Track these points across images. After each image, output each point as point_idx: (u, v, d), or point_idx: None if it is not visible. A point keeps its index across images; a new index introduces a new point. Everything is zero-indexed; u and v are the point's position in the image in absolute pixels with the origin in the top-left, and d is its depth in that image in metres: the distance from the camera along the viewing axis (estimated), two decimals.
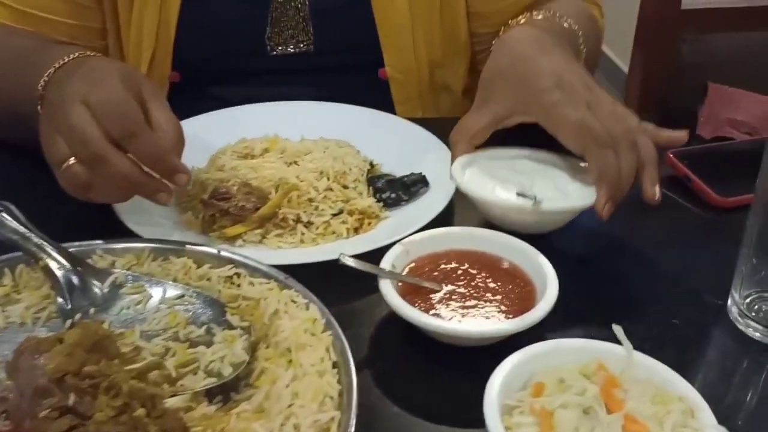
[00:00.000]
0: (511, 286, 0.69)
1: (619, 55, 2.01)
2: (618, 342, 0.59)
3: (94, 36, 1.05)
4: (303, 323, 0.63)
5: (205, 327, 0.65)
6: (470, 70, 1.17)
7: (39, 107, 0.80)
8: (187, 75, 1.08)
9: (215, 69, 1.08)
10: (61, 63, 0.80)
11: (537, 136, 0.82)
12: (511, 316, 0.66)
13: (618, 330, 0.59)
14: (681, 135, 0.81)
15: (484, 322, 0.66)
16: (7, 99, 0.88)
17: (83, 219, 0.80)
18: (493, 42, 0.94)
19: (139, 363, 0.60)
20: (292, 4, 1.04)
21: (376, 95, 1.06)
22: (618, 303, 0.75)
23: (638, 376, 0.57)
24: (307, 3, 1.04)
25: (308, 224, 0.80)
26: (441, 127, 0.98)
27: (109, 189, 0.73)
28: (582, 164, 0.81)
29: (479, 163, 0.83)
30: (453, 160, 0.84)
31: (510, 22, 1.00)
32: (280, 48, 1.06)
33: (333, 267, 0.69)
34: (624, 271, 0.79)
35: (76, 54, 0.81)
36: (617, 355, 0.59)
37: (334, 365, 0.60)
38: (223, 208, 0.78)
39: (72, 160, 0.71)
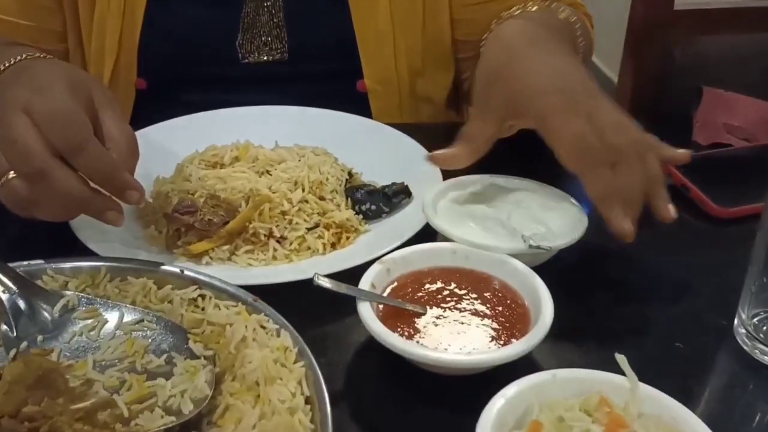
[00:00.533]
0: (501, 308, 0.64)
1: (607, 64, 1.95)
2: (619, 370, 0.54)
3: (54, 39, 0.99)
4: (273, 353, 0.57)
5: (165, 356, 0.59)
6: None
7: None
8: (154, 82, 1.02)
9: (184, 76, 1.02)
10: (6, 65, 0.74)
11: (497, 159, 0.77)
12: (502, 341, 0.60)
13: (622, 360, 0.53)
14: (685, 154, 0.74)
15: (473, 349, 0.60)
16: None
17: (32, 234, 0.74)
18: (484, 37, 0.88)
19: (89, 401, 0.53)
20: (265, 9, 0.98)
21: (353, 107, 1.00)
22: (615, 325, 0.69)
23: (645, 411, 0.51)
24: (281, 8, 0.98)
25: (281, 239, 0.74)
26: (423, 134, 0.92)
27: (53, 206, 0.67)
28: (552, 189, 0.77)
29: (449, 196, 0.77)
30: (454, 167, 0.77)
31: (503, 14, 0.92)
32: (252, 56, 1.00)
33: (306, 287, 0.63)
34: (621, 290, 0.74)
35: (24, 56, 0.75)
36: (620, 386, 0.53)
37: (307, 400, 0.54)
38: (188, 222, 0.72)
39: (11, 175, 0.65)
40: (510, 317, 0.63)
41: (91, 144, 0.64)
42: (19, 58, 0.74)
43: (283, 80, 1.02)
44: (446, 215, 0.74)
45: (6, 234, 0.77)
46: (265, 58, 1.01)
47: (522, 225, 0.73)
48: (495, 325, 0.62)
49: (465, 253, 0.68)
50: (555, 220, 0.74)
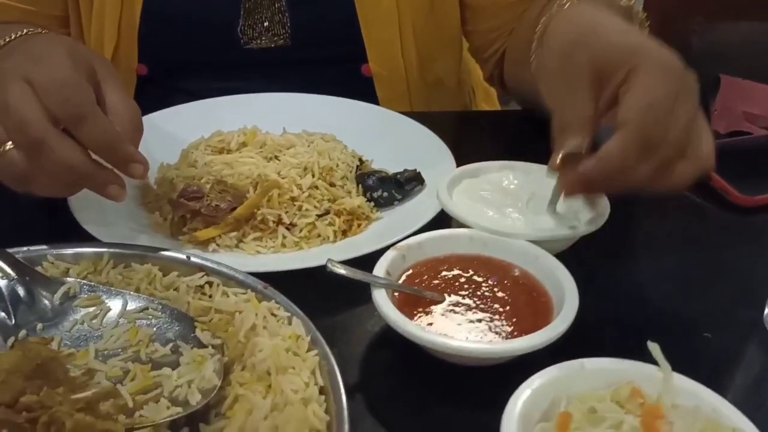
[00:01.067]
0: (523, 297, 0.61)
1: None
2: (649, 360, 0.51)
3: (55, 25, 0.97)
4: (284, 341, 0.54)
5: (170, 345, 0.57)
6: (462, 68, 1.08)
7: None
8: (155, 68, 0.99)
9: (186, 62, 1.00)
10: (6, 40, 0.71)
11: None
12: (523, 330, 0.57)
13: (654, 348, 0.50)
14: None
15: (494, 338, 0.57)
16: None
17: (31, 219, 0.71)
18: (542, 22, 0.77)
19: (90, 390, 0.50)
20: None
21: (359, 93, 0.98)
22: (640, 314, 0.66)
23: (679, 402, 0.49)
24: None
25: (291, 226, 0.71)
26: (435, 120, 0.90)
27: (52, 180, 0.63)
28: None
29: (463, 183, 0.74)
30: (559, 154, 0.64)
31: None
32: (254, 42, 0.98)
33: (318, 274, 0.60)
34: (646, 279, 0.71)
35: (24, 31, 0.72)
36: (651, 376, 0.50)
37: (321, 391, 0.51)
38: (194, 208, 0.69)
39: (8, 146, 0.61)
40: (532, 306, 0.60)
41: (93, 113, 0.60)
42: (20, 33, 0.72)
43: (286, 66, 1.00)
44: (462, 202, 0.71)
45: (4, 218, 0.74)
46: (268, 43, 0.98)
47: (540, 212, 0.70)
48: (516, 314, 0.59)
49: (483, 240, 0.65)
50: (573, 207, 0.71)
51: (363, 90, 0.99)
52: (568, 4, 0.74)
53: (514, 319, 0.59)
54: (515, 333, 0.57)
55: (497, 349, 0.55)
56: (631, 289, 0.69)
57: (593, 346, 0.60)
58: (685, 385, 0.50)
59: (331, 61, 1.00)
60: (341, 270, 0.58)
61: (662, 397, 0.49)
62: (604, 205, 0.70)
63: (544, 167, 0.75)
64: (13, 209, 0.72)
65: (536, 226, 0.68)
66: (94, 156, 0.62)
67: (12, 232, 0.72)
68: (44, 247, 0.64)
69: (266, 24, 0.97)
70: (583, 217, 0.69)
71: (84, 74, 0.62)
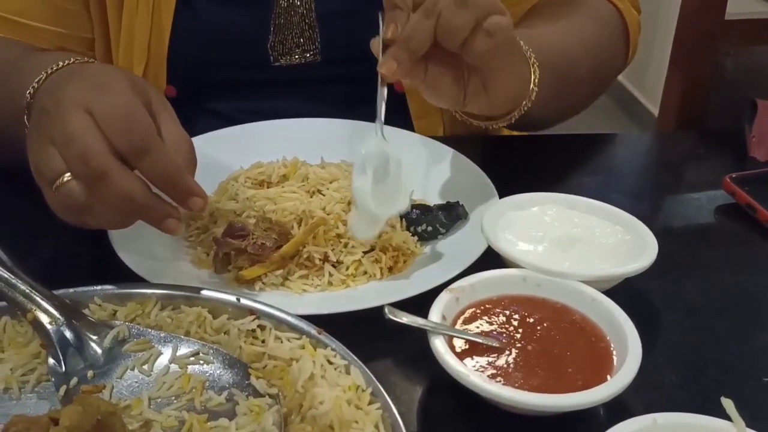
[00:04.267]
0: (581, 341, 0.59)
1: (652, 76, 1.80)
2: (715, 411, 0.50)
3: (83, 47, 0.95)
4: (345, 392, 0.53)
5: (225, 393, 0.55)
6: None
7: (26, 118, 0.69)
8: (183, 89, 0.98)
9: (213, 82, 0.99)
10: (55, 68, 0.70)
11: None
12: (585, 378, 0.56)
13: (728, 405, 0.49)
14: None
15: (555, 386, 0.56)
16: None
17: (72, 253, 0.70)
18: None
19: None
20: (298, 9, 0.95)
21: (391, 110, 0.96)
22: (698, 359, 0.65)
23: None
24: (313, 8, 0.94)
25: (337, 263, 0.70)
26: (471, 147, 0.88)
27: (109, 212, 0.62)
28: (614, 209, 0.73)
29: (507, 216, 0.73)
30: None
31: None
32: (283, 59, 0.97)
33: (367, 315, 0.59)
34: (697, 318, 0.69)
35: (72, 60, 0.71)
36: None
37: None
38: (239, 246, 0.68)
39: (67, 177, 0.60)
40: (591, 351, 0.59)
41: (156, 145, 0.60)
42: (68, 61, 0.71)
43: (316, 84, 0.99)
44: (508, 238, 0.70)
45: (42, 255, 0.73)
46: (298, 60, 0.97)
47: (589, 247, 0.69)
48: (576, 360, 0.58)
49: (536, 281, 0.64)
50: (623, 241, 0.70)
51: (395, 106, 0.98)
52: None
53: (575, 366, 0.57)
54: (578, 381, 0.56)
55: (563, 403, 0.53)
56: (682, 330, 0.68)
57: (653, 396, 0.59)
58: None
59: (362, 78, 0.99)
60: (402, 319, 0.57)
61: None
62: (651, 242, 0.69)
63: (587, 199, 0.75)
64: (54, 245, 0.71)
65: (587, 264, 0.67)
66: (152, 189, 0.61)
67: (53, 268, 0.71)
68: (90, 287, 0.62)
69: (296, 40, 0.96)
70: (630, 254, 0.68)
71: (143, 105, 0.61)
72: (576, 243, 0.70)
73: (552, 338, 0.60)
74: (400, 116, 0.97)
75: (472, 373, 0.54)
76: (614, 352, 0.58)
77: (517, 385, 0.55)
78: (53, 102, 0.62)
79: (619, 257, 0.69)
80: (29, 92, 0.69)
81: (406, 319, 0.57)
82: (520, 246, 0.69)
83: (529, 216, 0.73)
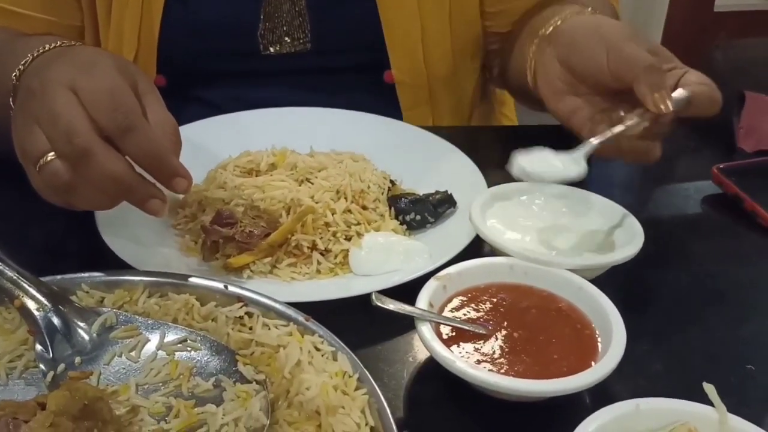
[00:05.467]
0: (567, 329, 0.60)
1: None
2: (699, 397, 0.51)
3: (72, 35, 0.95)
4: (332, 378, 0.53)
5: (213, 379, 0.55)
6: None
7: (11, 101, 0.69)
8: (172, 78, 0.97)
9: (203, 71, 0.98)
10: (41, 50, 0.70)
11: None
12: (570, 364, 0.56)
13: (710, 390, 0.50)
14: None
15: (541, 372, 0.56)
16: None
17: (60, 241, 0.70)
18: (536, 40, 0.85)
19: (137, 429, 0.49)
20: None
21: (381, 100, 0.96)
22: (681, 346, 0.65)
23: None
24: None
25: (325, 252, 0.70)
26: (460, 137, 0.89)
27: (93, 192, 0.61)
28: (602, 198, 0.74)
29: (496, 206, 0.74)
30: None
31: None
32: (273, 47, 0.96)
33: (355, 302, 0.59)
34: (682, 308, 0.70)
35: (58, 43, 0.71)
36: (707, 417, 0.50)
37: (372, 431, 0.50)
38: (227, 234, 0.68)
39: (51, 156, 0.59)
40: (577, 338, 0.59)
41: (141, 124, 0.59)
42: (54, 44, 0.70)
43: (306, 73, 0.98)
44: (496, 227, 0.71)
45: (31, 243, 0.73)
46: (288, 48, 0.97)
47: (576, 236, 0.70)
48: (562, 347, 0.58)
49: (523, 269, 0.64)
50: (610, 231, 0.71)
51: (385, 97, 0.98)
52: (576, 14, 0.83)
53: (560, 353, 0.58)
54: (563, 368, 0.56)
55: (548, 388, 0.54)
56: (667, 318, 0.68)
57: (638, 382, 0.59)
58: (742, 427, 0.49)
59: (352, 68, 0.99)
60: (389, 305, 0.57)
61: None
62: (638, 230, 0.69)
63: (575, 189, 0.75)
64: (41, 232, 0.71)
65: (574, 253, 0.68)
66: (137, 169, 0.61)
67: (40, 255, 0.71)
68: (77, 274, 0.62)
69: (286, 28, 0.96)
70: (618, 243, 0.68)
71: (129, 86, 0.61)
72: (563, 232, 0.71)
73: (538, 325, 0.60)
74: (389, 106, 0.98)
75: (458, 359, 0.55)
76: (599, 339, 0.59)
77: (502, 371, 0.56)
78: (39, 82, 0.62)
79: (605, 246, 0.69)
80: (15, 74, 0.69)
81: (392, 305, 0.57)
82: (507, 235, 0.70)
83: (518, 205, 0.74)
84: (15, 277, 0.58)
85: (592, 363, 0.56)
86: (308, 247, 0.70)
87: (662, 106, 0.67)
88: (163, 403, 0.54)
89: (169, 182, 0.62)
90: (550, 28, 0.83)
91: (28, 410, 0.47)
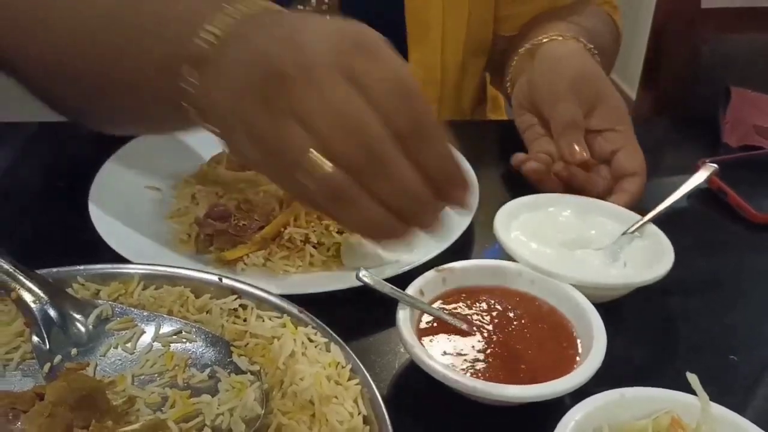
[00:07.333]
0: (550, 343, 0.60)
1: (629, 63, 1.83)
2: (683, 387, 0.52)
3: None
4: (325, 369, 0.54)
5: (208, 370, 0.56)
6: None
7: (187, 73, 0.52)
8: None
9: None
10: (245, 11, 0.52)
11: None
12: (537, 377, 0.56)
13: (693, 379, 0.51)
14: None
15: (508, 378, 0.56)
16: (99, 58, 0.62)
17: (53, 234, 0.70)
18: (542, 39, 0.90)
19: (133, 419, 0.51)
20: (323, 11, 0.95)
21: None
22: (666, 337, 0.67)
23: None
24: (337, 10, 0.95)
25: (318, 245, 0.71)
26: (455, 131, 0.89)
27: (375, 209, 0.47)
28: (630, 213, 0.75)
29: (522, 218, 0.74)
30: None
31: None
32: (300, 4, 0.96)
33: (346, 294, 0.60)
34: (664, 300, 0.71)
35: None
36: (690, 405, 0.51)
37: (364, 420, 0.52)
38: (221, 228, 0.69)
39: (317, 157, 0.46)
40: (556, 355, 0.59)
41: (435, 127, 0.47)
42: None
43: None
44: (519, 237, 0.71)
45: (24, 235, 0.74)
46: (314, 5, 0.96)
47: (599, 253, 0.70)
48: (537, 360, 0.58)
49: (531, 277, 0.64)
50: (636, 250, 0.71)
51: None
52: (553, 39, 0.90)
53: (534, 364, 0.58)
54: (546, 370, 0.56)
55: (509, 394, 0.54)
56: (652, 311, 0.69)
57: (618, 374, 0.60)
58: (724, 414, 0.51)
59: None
60: (370, 281, 0.58)
61: (701, 427, 0.50)
62: (667, 249, 0.69)
63: (605, 204, 0.77)
64: (37, 225, 0.71)
65: (589, 269, 0.68)
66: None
67: (36, 248, 0.72)
68: (73, 267, 0.63)
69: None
70: (643, 262, 0.69)
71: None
72: (585, 246, 0.71)
73: (523, 334, 0.60)
74: None
75: (417, 346, 0.55)
76: (580, 345, 0.59)
77: (472, 371, 0.56)
78: (293, 64, 0.47)
79: (632, 266, 0.69)
80: (202, 38, 0.51)
81: (373, 282, 0.58)
82: (529, 245, 0.70)
83: (545, 216, 0.75)
84: (11, 270, 0.58)
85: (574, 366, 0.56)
86: (301, 240, 0.71)
87: (572, 159, 0.81)
88: (159, 394, 0.54)
89: (463, 198, 0.50)
90: (529, 46, 0.91)
91: (26, 400, 0.48)
